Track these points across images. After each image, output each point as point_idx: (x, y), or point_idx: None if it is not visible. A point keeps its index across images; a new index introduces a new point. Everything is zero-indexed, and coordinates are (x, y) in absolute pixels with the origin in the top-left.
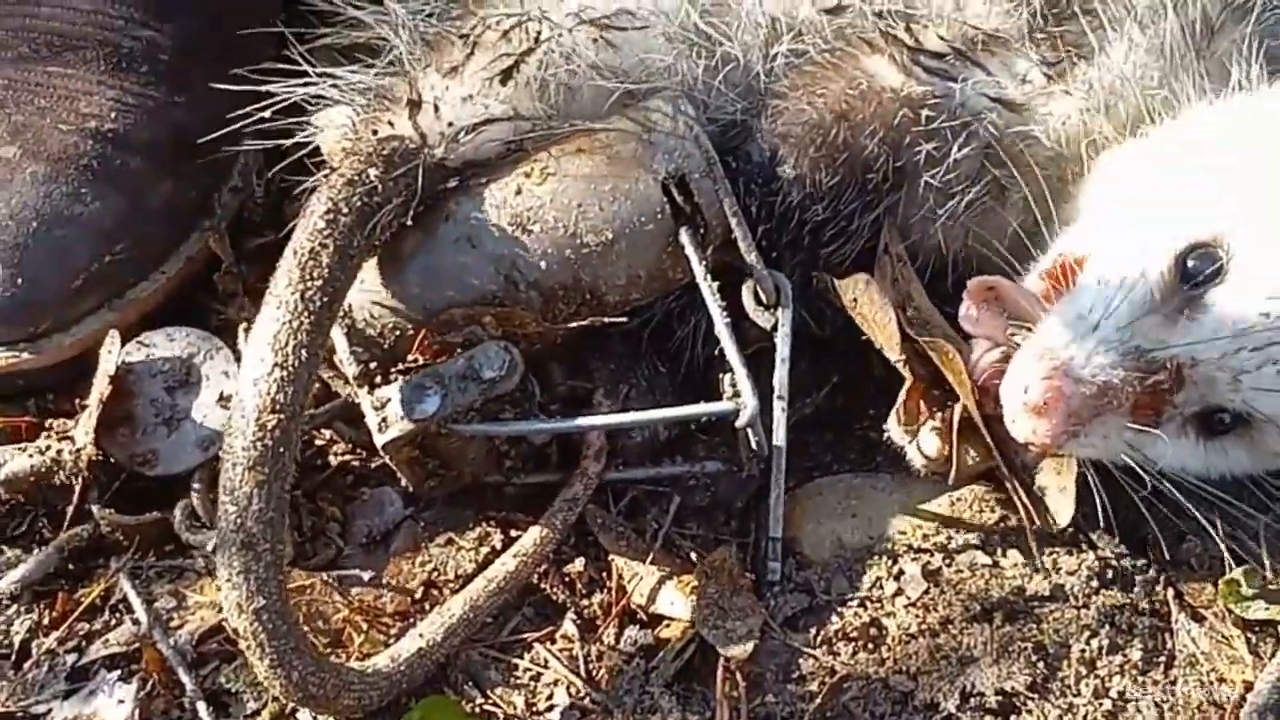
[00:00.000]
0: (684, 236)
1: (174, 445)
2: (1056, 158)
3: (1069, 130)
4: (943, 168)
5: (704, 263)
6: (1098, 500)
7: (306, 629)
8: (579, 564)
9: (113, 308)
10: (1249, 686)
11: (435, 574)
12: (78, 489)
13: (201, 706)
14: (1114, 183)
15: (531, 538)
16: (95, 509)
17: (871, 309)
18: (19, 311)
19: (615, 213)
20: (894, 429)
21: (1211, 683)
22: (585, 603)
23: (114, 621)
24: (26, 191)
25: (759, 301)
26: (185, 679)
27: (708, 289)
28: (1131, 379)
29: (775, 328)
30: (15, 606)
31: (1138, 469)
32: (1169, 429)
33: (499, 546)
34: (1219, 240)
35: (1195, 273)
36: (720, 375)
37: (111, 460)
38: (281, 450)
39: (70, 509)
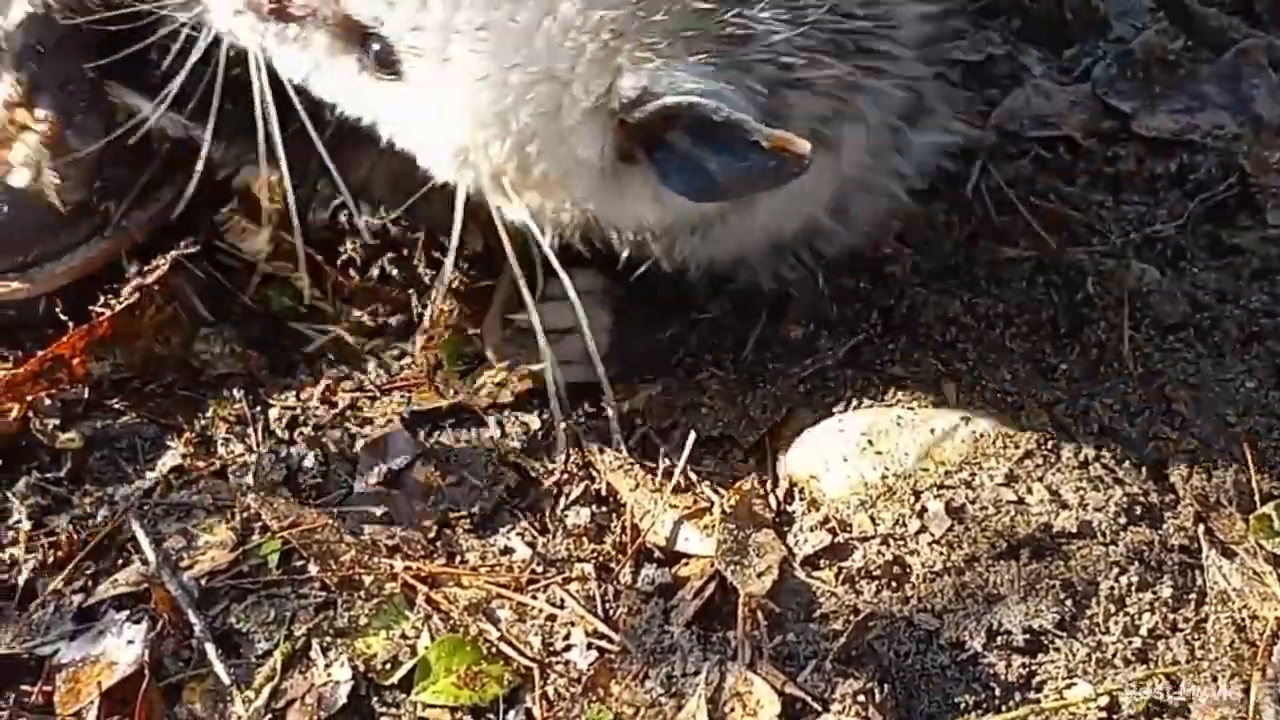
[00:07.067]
0: None
1: None
2: None
3: None
4: None
5: None
6: None
7: (316, 569)
8: (584, 515)
9: (108, 234)
10: None
11: (450, 512)
12: None
13: (210, 648)
14: None
15: None
16: None
17: None
18: (7, 238)
19: None
20: None
21: (1243, 619)
22: (596, 546)
23: (121, 561)
24: None
25: None
26: (194, 619)
27: None
28: None
29: None
30: (20, 546)
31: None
32: (315, 38)
33: (513, 485)
34: None
35: None
36: None
37: None
38: None
39: None
